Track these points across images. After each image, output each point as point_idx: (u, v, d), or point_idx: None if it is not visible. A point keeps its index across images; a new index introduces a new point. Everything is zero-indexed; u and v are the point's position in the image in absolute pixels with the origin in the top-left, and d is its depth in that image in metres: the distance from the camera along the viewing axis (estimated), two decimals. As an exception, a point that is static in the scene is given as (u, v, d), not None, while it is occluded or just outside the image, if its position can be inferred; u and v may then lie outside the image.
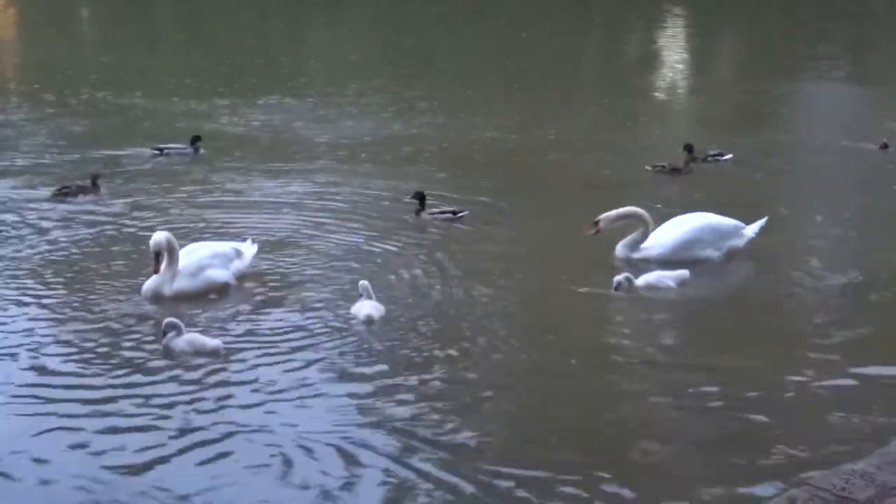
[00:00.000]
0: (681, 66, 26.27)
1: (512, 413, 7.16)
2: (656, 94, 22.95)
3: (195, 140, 15.01)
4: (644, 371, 7.81)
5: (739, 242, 10.35)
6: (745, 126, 17.94)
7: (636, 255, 10.27)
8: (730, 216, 10.53)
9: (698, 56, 28.65)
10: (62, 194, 12.40)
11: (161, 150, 14.88)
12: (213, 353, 7.81)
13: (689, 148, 14.20)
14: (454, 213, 11.62)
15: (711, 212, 10.65)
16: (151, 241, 9.02)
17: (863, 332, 8.51)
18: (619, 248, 10.31)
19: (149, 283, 9.00)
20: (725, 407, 7.11)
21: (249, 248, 9.82)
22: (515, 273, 9.89)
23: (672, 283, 9.34)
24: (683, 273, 9.46)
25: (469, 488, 6.01)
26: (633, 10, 37.07)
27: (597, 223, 10.25)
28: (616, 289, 9.17)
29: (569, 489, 6.00)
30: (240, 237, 10.25)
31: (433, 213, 11.63)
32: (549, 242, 10.75)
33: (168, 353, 7.82)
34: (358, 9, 37.68)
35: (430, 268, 9.94)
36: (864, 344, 8.25)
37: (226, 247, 9.69)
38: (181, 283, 9.13)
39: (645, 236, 10.28)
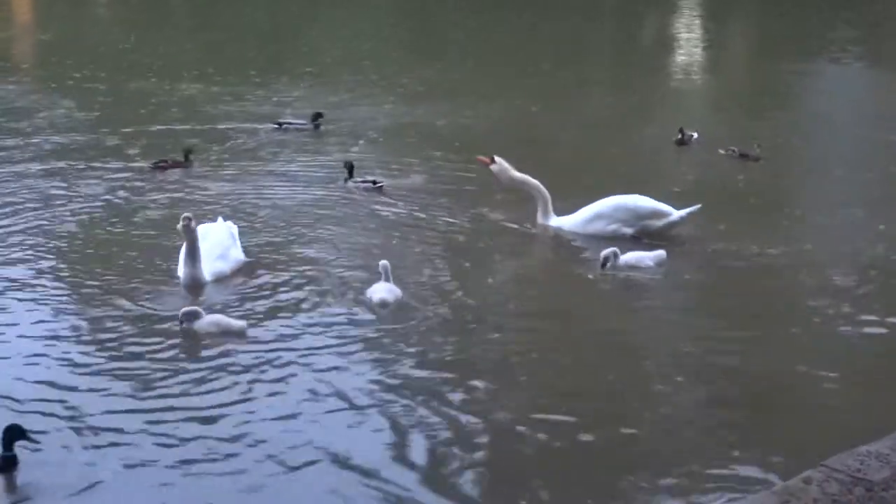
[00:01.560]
0: (696, 50, 26.21)
1: (525, 388, 7.34)
2: (671, 78, 22.82)
3: (317, 116, 15.22)
4: (649, 349, 8.01)
5: (657, 223, 10.58)
6: (762, 109, 17.86)
7: (552, 224, 10.78)
8: (661, 200, 10.72)
9: (713, 40, 28.49)
10: (158, 167, 12.80)
11: (280, 124, 15.17)
12: (238, 334, 7.97)
13: (681, 131, 14.33)
14: (374, 182, 12.01)
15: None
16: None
17: (873, 312, 8.57)
18: (537, 217, 10.85)
19: (186, 272, 9.01)
20: (736, 388, 7.22)
21: (233, 227, 9.87)
22: (527, 253, 10.30)
23: (651, 263, 9.58)
24: (661, 253, 9.69)
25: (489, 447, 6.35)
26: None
27: (492, 159, 10.95)
28: (603, 264, 9.37)
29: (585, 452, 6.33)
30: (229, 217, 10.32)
31: (356, 182, 12.05)
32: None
33: (192, 334, 7.95)
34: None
35: (447, 249, 10.10)
36: (876, 324, 8.34)
37: (228, 226, 9.76)
38: (218, 267, 9.21)
39: (545, 208, 10.74)
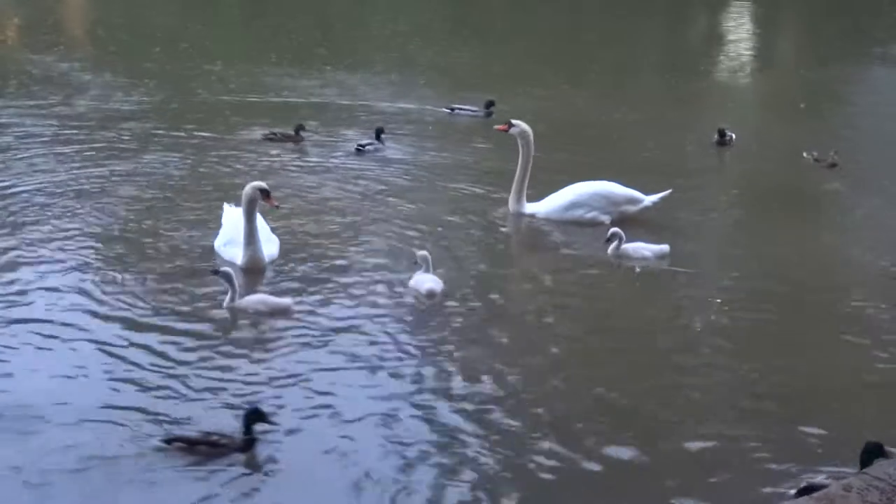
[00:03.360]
0: (745, 50, 25.91)
1: (569, 374, 7.48)
2: (719, 76, 22.71)
3: (489, 104, 15.43)
4: (681, 347, 8.03)
5: (632, 209, 10.88)
6: (811, 111, 17.66)
7: (525, 210, 10.91)
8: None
9: (764, 39, 28.18)
10: (269, 139, 13.46)
11: (452, 109, 15.51)
12: (285, 312, 8.12)
13: (720, 132, 14.27)
14: (359, 146, 13.28)
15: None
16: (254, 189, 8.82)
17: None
18: (510, 204, 10.92)
19: (247, 254, 8.89)
20: (774, 396, 7.21)
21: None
22: (560, 247, 10.33)
23: (649, 254, 9.69)
24: (664, 248, 9.77)
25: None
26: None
27: (510, 124, 10.99)
28: (609, 239, 9.60)
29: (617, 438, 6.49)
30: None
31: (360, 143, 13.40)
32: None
33: (238, 312, 8.08)
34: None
35: (483, 242, 10.23)
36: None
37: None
38: (270, 250, 9.16)
39: (520, 194, 10.82)
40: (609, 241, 9.66)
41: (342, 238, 9.98)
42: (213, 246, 9.38)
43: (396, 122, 15.10)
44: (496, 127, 11.41)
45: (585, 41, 24.86)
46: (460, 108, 15.59)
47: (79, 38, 23.30)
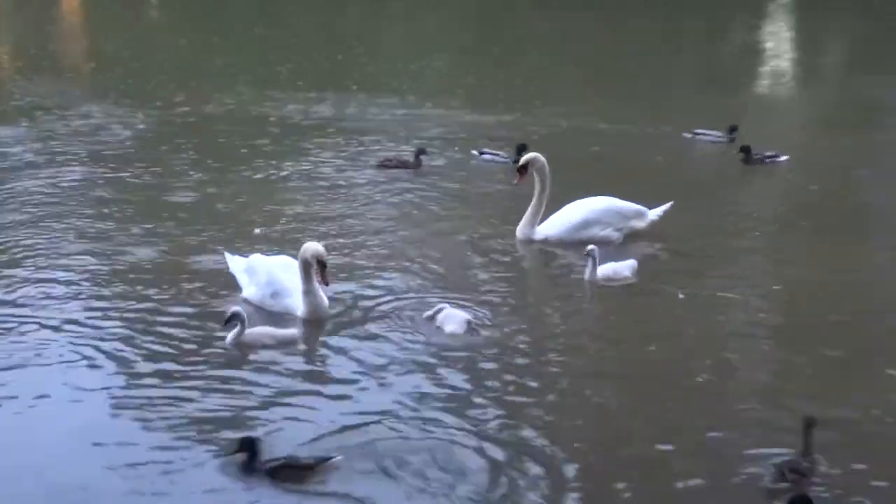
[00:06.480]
0: (784, 58, 25.49)
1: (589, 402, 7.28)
2: (757, 87, 22.33)
3: (733, 129, 15.09)
4: (721, 375, 7.74)
5: (641, 224, 10.78)
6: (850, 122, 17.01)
7: (536, 237, 10.59)
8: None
9: (803, 48, 27.67)
10: (383, 165, 13.30)
11: (695, 134, 15.27)
12: (293, 343, 8.00)
13: (745, 149, 13.75)
14: (479, 150, 13.99)
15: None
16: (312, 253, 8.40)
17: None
18: (519, 230, 10.59)
19: (312, 302, 8.46)
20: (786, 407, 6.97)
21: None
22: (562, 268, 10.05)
23: (628, 273, 9.50)
24: (633, 263, 9.59)
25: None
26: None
27: (524, 168, 10.54)
28: (587, 254, 9.31)
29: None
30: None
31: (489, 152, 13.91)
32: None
33: (242, 346, 7.83)
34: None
35: (511, 272, 9.93)
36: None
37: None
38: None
39: (535, 219, 10.50)
40: (588, 255, 9.34)
41: (385, 266, 9.73)
42: (244, 297, 8.83)
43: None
44: (515, 181, 10.83)
45: (622, 56, 24.33)
46: (703, 133, 15.26)
47: (81, 68, 23.16)
